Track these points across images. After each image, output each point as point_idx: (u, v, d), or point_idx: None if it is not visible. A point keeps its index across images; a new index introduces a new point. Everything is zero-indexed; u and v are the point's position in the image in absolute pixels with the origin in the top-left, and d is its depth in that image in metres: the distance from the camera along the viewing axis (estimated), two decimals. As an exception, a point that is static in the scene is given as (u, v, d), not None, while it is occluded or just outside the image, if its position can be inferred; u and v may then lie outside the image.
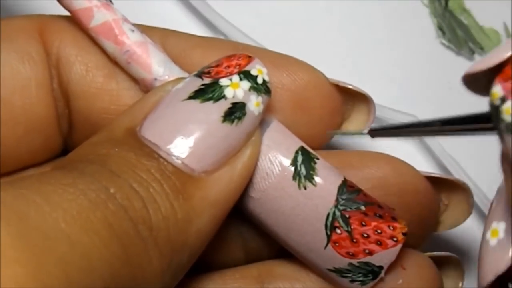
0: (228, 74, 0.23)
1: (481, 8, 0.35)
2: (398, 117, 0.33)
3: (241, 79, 0.23)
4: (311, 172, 0.24)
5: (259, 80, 0.24)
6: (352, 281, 0.25)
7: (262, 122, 0.24)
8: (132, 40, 0.24)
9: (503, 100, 0.19)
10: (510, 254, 0.21)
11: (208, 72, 0.24)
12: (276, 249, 0.26)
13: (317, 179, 0.24)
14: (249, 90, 0.23)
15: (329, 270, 0.25)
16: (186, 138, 0.22)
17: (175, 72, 0.25)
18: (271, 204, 0.24)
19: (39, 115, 0.25)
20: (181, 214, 0.22)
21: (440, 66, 0.34)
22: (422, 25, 0.35)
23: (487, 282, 0.21)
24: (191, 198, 0.22)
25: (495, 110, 0.19)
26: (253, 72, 0.24)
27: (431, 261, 0.27)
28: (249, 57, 0.24)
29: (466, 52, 0.35)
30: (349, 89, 0.27)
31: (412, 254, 0.27)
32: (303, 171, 0.24)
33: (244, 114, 0.23)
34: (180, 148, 0.22)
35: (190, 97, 0.23)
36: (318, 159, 0.25)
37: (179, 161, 0.22)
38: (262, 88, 0.24)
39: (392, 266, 0.25)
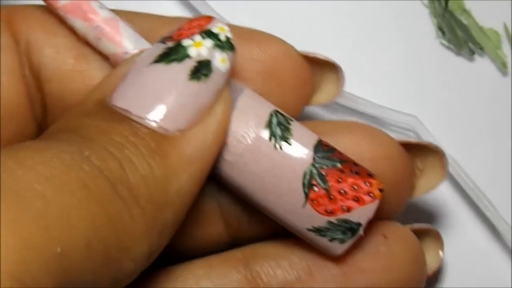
0: (190, 34, 0.24)
1: (481, 9, 0.35)
2: (398, 117, 0.33)
3: (203, 38, 0.24)
4: (286, 132, 0.25)
5: (222, 37, 0.24)
6: (332, 239, 0.25)
7: (234, 89, 0.25)
8: (101, 17, 0.25)
9: None
10: None
11: (170, 37, 0.24)
12: (257, 218, 0.26)
13: (292, 139, 0.25)
14: (213, 47, 0.24)
15: (308, 230, 0.25)
16: (156, 100, 0.22)
17: (145, 46, 0.25)
18: (248, 166, 0.25)
19: (11, 103, 0.25)
20: (159, 172, 0.22)
21: (440, 66, 0.34)
22: (422, 25, 0.35)
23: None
24: (168, 157, 0.22)
25: None
26: (215, 30, 0.24)
27: (411, 232, 0.27)
28: (209, 17, 0.24)
29: (466, 52, 0.35)
30: (318, 58, 0.27)
31: (393, 225, 0.27)
32: (278, 132, 0.25)
33: (211, 71, 0.23)
34: (152, 110, 0.22)
35: (155, 61, 0.23)
36: (292, 120, 0.25)
37: (153, 123, 0.22)
38: (226, 45, 0.24)
39: (374, 235, 0.26)
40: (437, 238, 0.29)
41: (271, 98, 0.26)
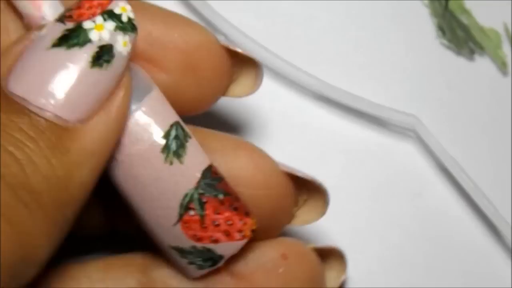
0: (91, 15, 0.23)
1: (482, 8, 0.35)
2: (398, 117, 0.33)
3: (105, 20, 0.23)
4: (181, 149, 0.24)
5: (124, 19, 0.23)
6: (191, 263, 0.25)
7: (142, 86, 0.24)
8: None
9: None
10: None
11: (70, 16, 0.23)
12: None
13: (185, 157, 0.24)
14: (115, 30, 0.23)
15: (171, 247, 0.25)
16: (55, 89, 0.21)
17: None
18: (134, 170, 0.24)
19: None
20: (60, 171, 0.21)
21: (440, 66, 0.34)
22: (422, 25, 0.35)
23: None
24: (69, 152, 0.21)
25: None
26: (117, 10, 0.23)
27: (311, 250, 0.27)
28: None
29: (466, 52, 0.35)
30: (239, 53, 0.27)
31: (293, 243, 0.27)
32: (173, 146, 0.24)
33: (113, 56, 0.22)
34: (50, 99, 0.21)
35: (55, 45, 0.22)
36: (190, 138, 0.25)
37: (51, 114, 0.21)
38: (128, 27, 0.23)
39: (275, 254, 0.26)
40: (341, 258, 0.29)
41: (188, 88, 0.26)
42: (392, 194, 0.32)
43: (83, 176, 0.22)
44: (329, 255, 0.28)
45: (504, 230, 0.31)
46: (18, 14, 0.24)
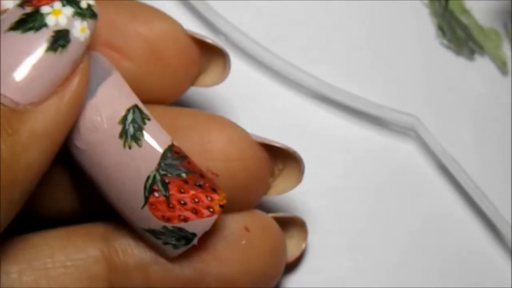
0: (49, 1, 0.23)
1: (482, 8, 0.35)
2: (398, 117, 0.33)
3: (63, 5, 0.23)
4: (139, 132, 0.24)
5: (83, 5, 0.23)
6: (165, 243, 0.25)
7: (100, 73, 0.24)
8: None
9: None
10: None
11: (29, 1, 0.23)
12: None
13: (143, 140, 0.24)
14: (73, 16, 0.23)
15: (144, 230, 0.25)
16: (8, 71, 0.22)
17: None
18: (95, 157, 0.24)
19: None
20: (6, 152, 0.21)
21: (440, 66, 0.34)
22: (422, 25, 0.35)
23: None
24: (17, 133, 0.21)
25: None
26: None
27: (274, 222, 0.27)
28: None
29: (466, 52, 0.35)
30: (206, 42, 0.27)
31: (255, 214, 0.27)
32: (131, 130, 0.24)
33: (68, 41, 0.22)
34: (2, 82, 0.21)
35: (11, 28, 0.22)
36: (149, 120, 0.24)
37: (1, 96, 0.21)
38: (87, 13, 0.23)
39: (237, 227, 0.26)
40: (302, 227, 0.29)
41: (153, 77, 0.26)
42: (392, 194, 0.32)
43: (31, 158, 0.22)
44: (290, 224, 0.29)
45: (504, 230, 0.31)
46: None
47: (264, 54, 0.33)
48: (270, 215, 0.28)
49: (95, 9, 0.23)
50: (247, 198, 0.27)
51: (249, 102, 0.33)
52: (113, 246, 0.25)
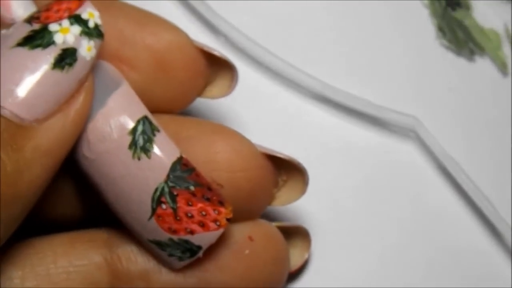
0: (58, 19, 0.23)
1: (482, 9, 0.35)
2: (398, 118, 0.33)
3: (71, 24, 0.23)
4: (148, 144, 0.24)
5: (91, 24, 0.23)
6: (170, 255, 0.25)
7: (110, 82, 0.24)
8: None
9: None
10: None
11: (38, 17, 0.23)
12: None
13: (152, 152, 0.24)
14: (80, 34, 0.23)
15: (150, 241, 0.25)
16: (14, 87, 0.22)
17: None
18: (103, 167, 0.24)
19: None
20: (10, 167, 0.21)
21: (440, 67, 0.34)
22: (422, 25, 0.35)
23: None
24: (22, 149, 0.21)
25: None
26: (84, 16, 0.23)
27: (278, 231, 0.27)
28: (80, 0, 0.23)
29: (467, 53, 0.35)
30: (214, 54, 0.27)
31: (259, 224, 0.27)
32: (140, 141, 0.24)
33: (75, 60, 0.23)
34: (9, 97, 0.21)
35: (19, 44, 0.22)
36: (159, 131, 0.25)
37: (7, 111, 0.21)
38: (94, 32, 0.23)
39: (241, 236, 0.26)
40: (305, 237, 0.29)
41: (160, 88, 0.26)
42: (392, 194, 0.32)
43: (34, 174, 0.22)
44: (294, 233, 0.29)
45: (504, 231, 0.31)
46: None
47: (264, 54, 0.33)
48: (274, 224, 0.28)
49: (102, 29, 0.23)
50: (251, 209, 0.27)
51: (249, 102, 0.33)
52: (116, 253, 0.25)
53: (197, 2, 0.33)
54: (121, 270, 0.25)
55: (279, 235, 0.27)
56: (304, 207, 0.32)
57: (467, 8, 0.35)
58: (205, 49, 0.27)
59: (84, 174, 0.25)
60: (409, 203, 0.32)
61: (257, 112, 0.33)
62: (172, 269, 0.25)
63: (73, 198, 0.26)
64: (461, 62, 0.35)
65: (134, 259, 0.25)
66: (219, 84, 0.28)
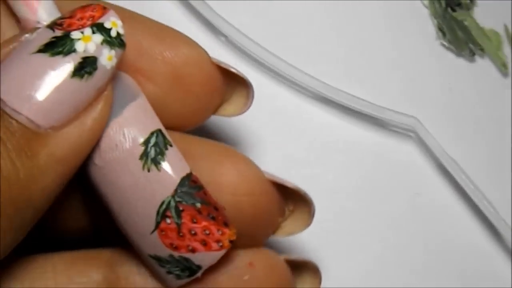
0: (80, 26, 0.23)
1: (482, 9, 0.35)
2: (398, 118, 0.33)
3: (93, 32, 0.23)
4: (160, 156, 0.24)
5: (113, 33, 0.23)
6: (169, 272, 0.25)
7: (128, 93, 0.24)
8: None
9: None
10: None
11: (61, 24, 0.23)
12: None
13: (163, 164, 0.24)
14: (102, 43, 0.23)
15: (150, 256, 0.25)
16: (32, 93, 0.22)
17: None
18: (112, 176, 0.24)
19: None
20: (23, 173, 0.21)
21: (440, 67, 0.34)
22: (422, 26, 0.35)
23: None
24: (36, 156, 0.21)
25: None
26: (107, 24, 0.23)
27: (282, 261, 0.27)
28: (104, 8, 0.23)
29: (467, 53, 0.35)
30: (230, 71, 0.27)
31: (262, 252, 0.27)
32: (152, 153, 0.24)
33: (95, 68, 0.22)
34: (26, 103, 0.21)
35: (40, 50, 0.22)
36: (171, 146, 0.24)
37: (24, 117, 0.21)
38: (116, 42, 0.23)
39: (241, 262, 0.26)
40: (315, 272, 0.28)
41: (175, 103, 0.26)
42: (392, 194, 0.32)
43: (47, 181, 0.22)
44: (303, 268, 0.28)
45: (504, 231, 0.31)
46: (16, 18, 0.24)
47: (264, 54, 0.33)
48: (282, 256, 0.27)
49: (124, 39, 0.23)
50: (254, 235, 0.27)
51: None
52: (116, 273, 0.25)
53: (197, 2, 0.33)
54: None
55: (283, 265, 0.27)
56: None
57: (467, 8, 0.35)
58: (222, 65, 0.27)
59: (92, 182, 0.25)
60: (409, 203, 0.32)
61: (257, 112, 0.33)
62: (168, 287, 0.25)
63: (80, 211, 0.26)
64: (461, 62, 0.35)
65: (133, 279, 0.25)
66: (234, 102, 0.28)
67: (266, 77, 0.34)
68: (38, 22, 0.24)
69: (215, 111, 0.28)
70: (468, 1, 0.35)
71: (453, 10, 0.35)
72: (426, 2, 0.35)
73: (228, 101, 0.28)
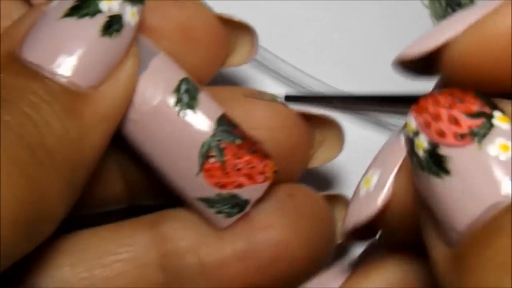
0: None
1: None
2: (398, 118, 0.33)
3: None
4: (193, 101, 0.25)
5: None
6: (219, 212, 0.25)
7: (149, 51, 0.25)
8: None
9: (416, 134, 0.19)
10: (373, 208, 0.20)
11: None
12: (157, 184, 0.26)
13: (197, 108, 0.25)
14: (124, 1, 0.23)
15: (197, 199, 0.25)
16: (68, 56, 0.22)
17: None
18: (149, 127, 0.25)
19: None
20: (73, 133, 0.22)
21: (440, 67, 0.34)
22: (423, 26, 0.35)
23: (346, 232, 0.21)
24: (82, 115, 0.22)
25: (411, 143, 0.19)
26: None
27: (316, 192, 0.28)
28: None
29: (467, 53, 0.35)
30: (233, 20, 0.28)
31: (299, 185, 0.27)
32: (185, 99, 0.25)
33: (122, 26, 0.23)
34: (64, 66, 0.22)
35: (66, 15, 0.23)
36: (201, 91, 0.25)
37: (65, 79, 0.22)
38: None
39: (280, 194, 0.26)
40: (347, 205, 0.28)
41: (186, 57, 0.26)
42: (392, 195, 0.32)
43: (94, 139, 0.23)
44: (334, 202, 0.29)
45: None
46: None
47: (264, 54, 0.33)
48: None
49: None
50: (289, 168, 0.27)
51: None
52: (162, 232, 0.26)
53: (198, 2, 0.34)
54: (170, 248, 0.26)
55: (320, 196, 0.28)
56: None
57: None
58: (224, 16, 0.28)
59: (129, 138, 0.25)
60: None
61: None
62: (220, 227, 0.26)
63: (117, 176, 0.27)
64: (461, 63, 0.35)
65: (179, 235, 0.26)
66: (240, 51, 0.29)
67: (266, 77, 0.34)
68: None
69: (222, 63, 0.28)
70: (468, 1, 0.35)
71: (453, 10, 0.35)
72: (426, 2, 0.35)
73: (234, 52, 0.29)
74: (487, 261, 0.16)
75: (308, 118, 0.28)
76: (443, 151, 0.18)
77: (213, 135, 0.25)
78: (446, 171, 0.18)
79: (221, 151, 0.25)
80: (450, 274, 0.17)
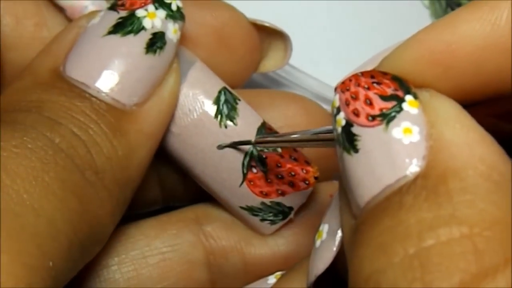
0: (142, 4, 0.23)
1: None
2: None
3: (156, 8, 0.23)
4: (233, 111, 0.25)
5: (174, 7, 0.24)
6: (263, 220, 0.26)
7: (185, 60, 0.25)
8: None
9: (338, 110, 0.19)
10: (329, 255, 0.21)
11: (122, 4, 0.23)
12: (192, 189, 0.27)
13: (238, 118, 0.25)
14: (166, 18, 0.23)
15: (241, 208, 0.26)
16: (112, 74, 0.22)
17: (104, 5, 0.25)
18: (191, 140, 0.25)
19: None
20: (121, 151, 0.22)
21: (440, 67, 0.34)
22: (423, 26, 0.35)
23: (310, 283, 0.21)
24: (128, 133, 0.22)
25: (334, 119, 0.19)
26: None
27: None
28: None
29: (467, 53, 0.35)
30: (266, 26, 0.28)
31: (335, 183, 0.28)
32: (225, 110, 0.25)
33: (165, 43, 0.23)
34: (108, 84, 0.22)
35: (110, 32, 0.23)
36: (240, 100, 0.25)
37: (110, 98, 0.22)
38: (177, 15, 0.24)
39: (322, 196, 0.27)
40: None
41: (222, 63, 0.26)
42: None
43: (141, 157, 0.23)
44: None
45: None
46: (58, 8, 0.25)
47: (264, 54, 0.33)
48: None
49: (183, 11, 0.24)
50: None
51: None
52: (207, 230, 0.26)
53: (198, 2, 0.33)
54: (215, 246, 0.26)
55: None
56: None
57: (468, 8, 0.35)
58: (258, 22, 0.28)
59: (170, 151, 0.25)
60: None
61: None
62: (263, 234, 0.26)
63: (156, 181, 0.27)
64: (461, 63, 0.35)
65: (225, 234, 0.26)
66: (272, 57, 0.29)
67: (266, 76, 0.34)
68: (85, 7, 0.25)
69: (256, 68, 0.29)
70: (468, 2, 0.35)
71: (454, 10, 0.35)
72: (426, 3, 0.35)
73: (266, 57, 0.29)
74: (370, 239, 0.17)
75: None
76: (355, 130, 0.18)
77: (255, 146, 0.25)
78: (356, 149, 0.18)
79: (264, 160, 0.25)
80: (349, 244, 0.18)
